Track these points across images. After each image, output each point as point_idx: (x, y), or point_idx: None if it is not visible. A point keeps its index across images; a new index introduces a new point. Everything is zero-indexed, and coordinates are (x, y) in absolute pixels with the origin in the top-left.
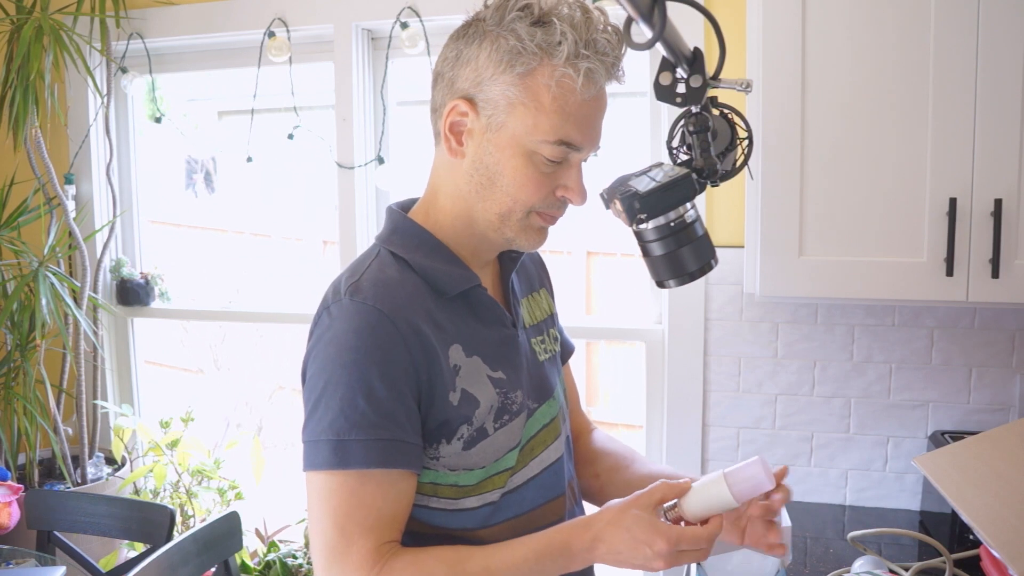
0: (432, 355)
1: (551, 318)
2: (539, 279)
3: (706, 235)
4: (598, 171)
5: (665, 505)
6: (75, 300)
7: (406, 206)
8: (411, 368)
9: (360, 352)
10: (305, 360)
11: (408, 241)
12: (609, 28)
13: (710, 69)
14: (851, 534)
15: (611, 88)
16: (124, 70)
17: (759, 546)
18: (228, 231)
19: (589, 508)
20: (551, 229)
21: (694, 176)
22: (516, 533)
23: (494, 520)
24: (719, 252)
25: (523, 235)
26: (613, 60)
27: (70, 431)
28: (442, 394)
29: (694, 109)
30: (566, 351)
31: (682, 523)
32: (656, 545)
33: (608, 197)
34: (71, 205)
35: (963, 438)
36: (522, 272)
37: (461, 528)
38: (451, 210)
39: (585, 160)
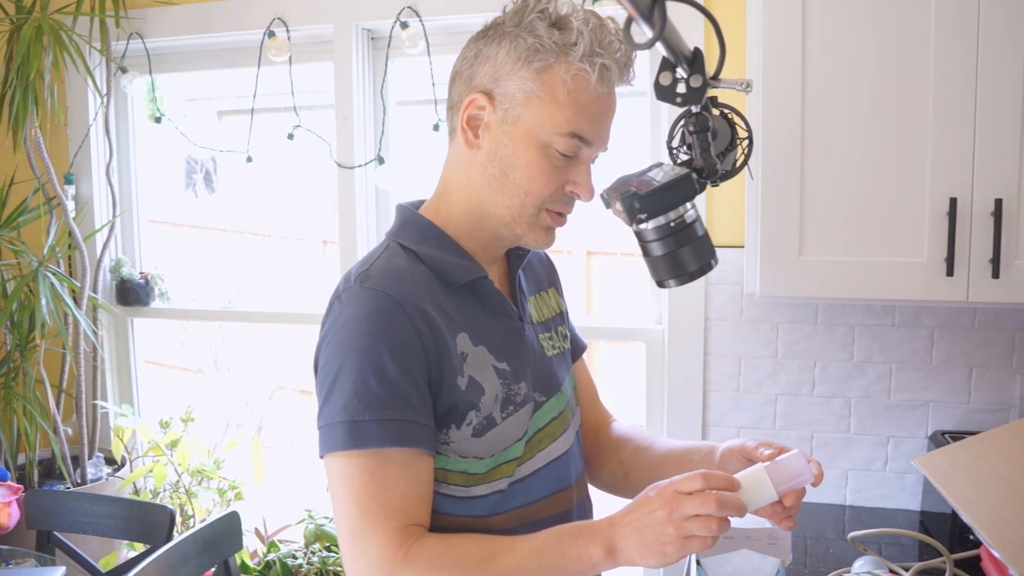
0: (440, 339)
1: (560, 316)
2: (548, 279)
3: (706, 235)
4: (598, 171)
5: None
6: (75, 300)
7: (416, 204)
8: (421, 351)
9: (371, 336)
10: (318, 348)
11: (417, 234)
12: (620, 34)
13: (710, 69)
14: (851, 534)
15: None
16: (124, 70)
17: (772, 513)
18: (228, 231)
19: (619, 502)
20: (559, 231)
21: (694, 176)
22: (522, 522)
23: (501, 508)
24: (719, 252)
25: (532, 233)
26: (625, 61)
27: (70, 431)
28: (451, 378)
29: (694, 109)
30: (578, 348)
31: None
32: (657, 497)
33: (608, 197)
34: (71, 205)
35: (963, 438)
36: (530, 272)
37: (469, 515)
38: (463, 204)
39: (594, 161)
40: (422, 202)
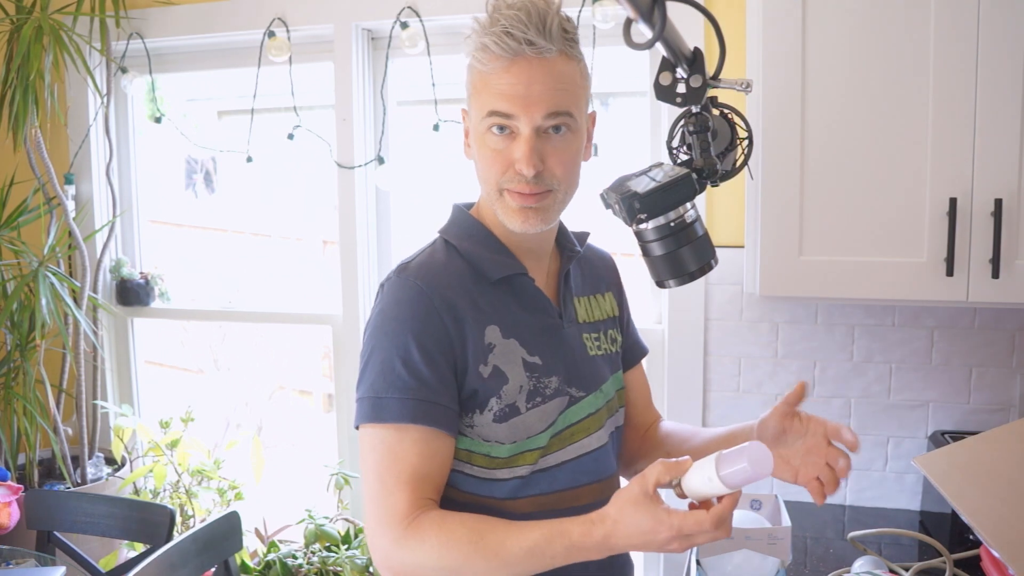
0: (466, 329)
1: (612, 320)
2: (607, 283)
3: (706, 235)
4: (598, 171)
5: (673, 483)
6: (75, 300)
7: (469, 205)
8: (445, 339)
9: (399, 321)
10: (364, 329)
11: (461, 231)
12: (521, 8)
13: (710, 69)
14: (851, 534)
15: (610, 87)
16: (124, 70)
17: (809, 481)
18: (228, 231)
19: None
20: (550, 222)
21: (694, 176)
22: (543, 508)
23: (522, 494)
24: (719, 252)
25: (507, 216)
26: (518, 33)
27: (70, 431)
28: (474, 366)
29: (694, 109)
30: (637, 353)
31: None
32: (660, 535)
33: (608, 197)
34: (71, 205)
35: (963, 438)
36: (588, 272)
37: (490, 496)
38: (484, 202)
39: (551, 131)
40: (474, 203)
